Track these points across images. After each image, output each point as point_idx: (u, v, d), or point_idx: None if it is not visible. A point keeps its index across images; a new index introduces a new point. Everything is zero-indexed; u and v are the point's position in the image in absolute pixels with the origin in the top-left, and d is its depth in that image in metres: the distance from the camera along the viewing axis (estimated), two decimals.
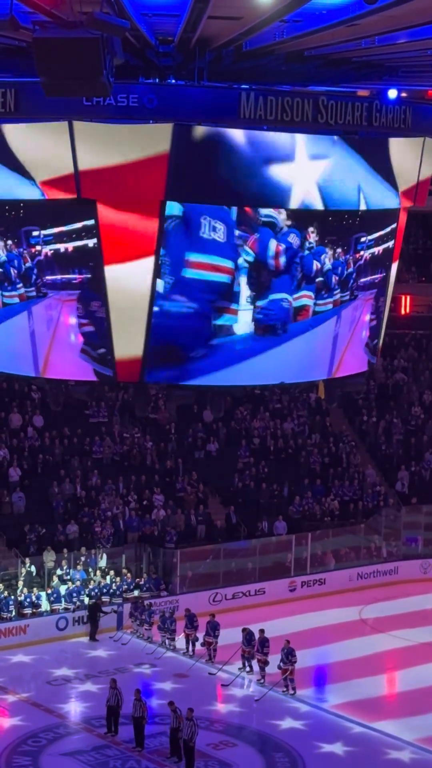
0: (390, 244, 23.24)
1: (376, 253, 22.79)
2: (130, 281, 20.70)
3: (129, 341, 21.12)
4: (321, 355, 22.50)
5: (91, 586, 36.01)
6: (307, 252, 21.19)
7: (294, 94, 20.21)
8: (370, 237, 22.43)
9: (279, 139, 20.58)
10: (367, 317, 23.36)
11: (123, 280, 20.70)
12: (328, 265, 21.59)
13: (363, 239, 22.19)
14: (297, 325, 21.66)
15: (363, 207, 21.75)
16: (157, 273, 20.50)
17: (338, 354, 22.68)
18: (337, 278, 21.83)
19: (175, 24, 17.96)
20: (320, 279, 21.61)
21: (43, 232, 21.05)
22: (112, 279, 20.68)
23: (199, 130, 19.93)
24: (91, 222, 20.39)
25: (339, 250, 21.73)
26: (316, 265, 21.43)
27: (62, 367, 22.08)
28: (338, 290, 22.02)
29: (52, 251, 21.01)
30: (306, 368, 22.59)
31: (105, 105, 19.20)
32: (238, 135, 20.26)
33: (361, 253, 22.27)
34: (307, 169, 20.66)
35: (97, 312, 21.06)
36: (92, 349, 21.48)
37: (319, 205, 21.01)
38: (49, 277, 21.23)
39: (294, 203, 20.76)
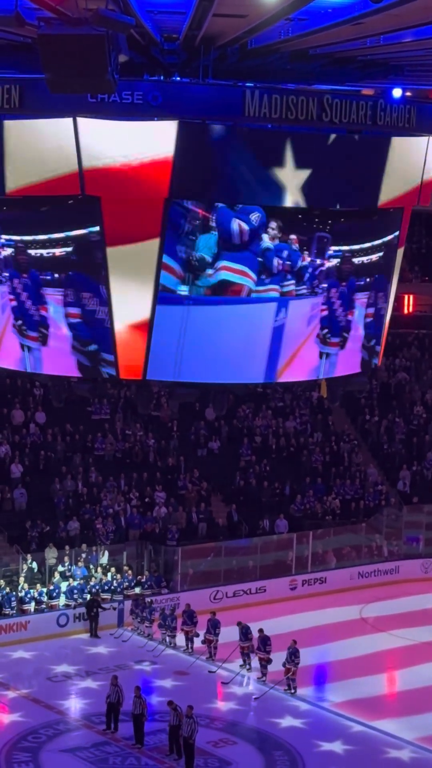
0: (381, 254, 22.97)
1: (366, 260, 22.56)
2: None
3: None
4: (257, 346, 21.71)
5: (92, 583, 36.03)
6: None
7: (298, 92, 20.20)
8: (354, 246, 22.16)
9: (273, 141, 20.59)
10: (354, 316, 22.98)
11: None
12: (268, 243, 20.94)
13: (331, 243, 21.68)
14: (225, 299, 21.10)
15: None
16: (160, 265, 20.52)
17: (284, 351, 21.92)
18: (280, 262, 21.16)
19: (181, 21, 17.97)
20: (260, 259, 21.00)
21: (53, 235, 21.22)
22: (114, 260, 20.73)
23: (205, 128, 19.93)
24: (96, 228, 20.42)
25: (293, 236, 21.15)
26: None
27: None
28: (291, 280, 21.34)
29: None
30: (241, 359, 21.72)
31: (109, 102, 19.19)
32: (240, 134, 20.31)
33: (329, 256, 21.82)
34: (296, 172, 20.61)
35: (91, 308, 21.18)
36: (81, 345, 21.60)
37: (303, 204, 20.96)
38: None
39: (289, 202, 20.72)
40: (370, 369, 25.05)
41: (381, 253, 22.90)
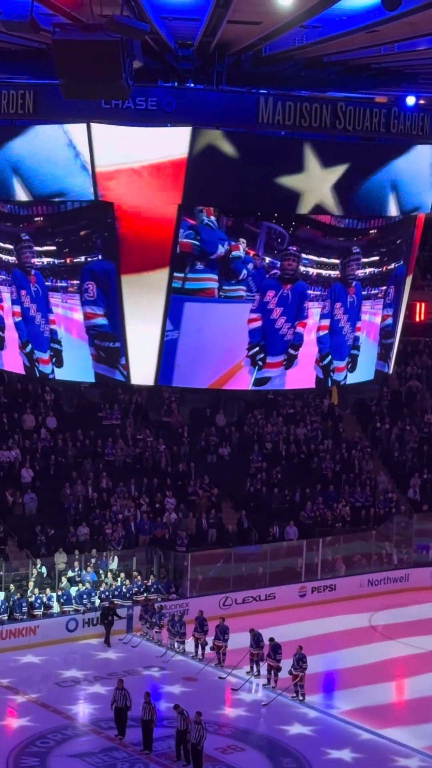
0: (386, 267, 22.83)
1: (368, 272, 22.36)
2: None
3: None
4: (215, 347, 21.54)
5: (101, 589, 36.03)
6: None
7: (312, 99, 20.23)
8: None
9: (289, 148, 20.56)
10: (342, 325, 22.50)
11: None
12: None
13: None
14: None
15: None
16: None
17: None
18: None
19: (195, 28, 18.01)
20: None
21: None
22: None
23: (217, 135, 19.94)
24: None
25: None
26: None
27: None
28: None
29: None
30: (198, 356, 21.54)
31: (123, 108, 19.25)
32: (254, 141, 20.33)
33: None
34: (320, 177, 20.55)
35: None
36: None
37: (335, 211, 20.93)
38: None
39: (305, 209, 20.69)
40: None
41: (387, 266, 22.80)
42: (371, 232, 21.92)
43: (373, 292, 22.62)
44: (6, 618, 34.13)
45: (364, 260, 22.05)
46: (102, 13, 14.55)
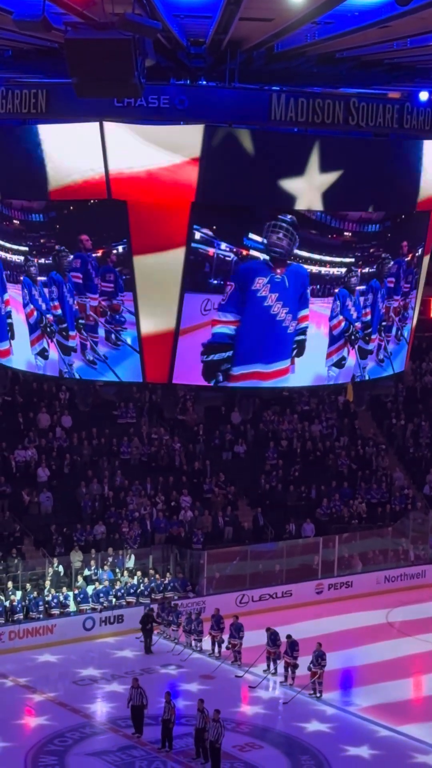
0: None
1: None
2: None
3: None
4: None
5: (118, 587, 36.07)
6: None
7: (325, 95, 20.16)
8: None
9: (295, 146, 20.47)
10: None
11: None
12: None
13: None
14: None
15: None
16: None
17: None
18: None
19: (207, 25, 17.97)
20: None
21: None
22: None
23: (231, 132, 19.91)
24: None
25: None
26: None
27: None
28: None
29: None
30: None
31: (136, 106, 19.22)
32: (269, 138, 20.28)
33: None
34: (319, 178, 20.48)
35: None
36: None
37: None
38: None
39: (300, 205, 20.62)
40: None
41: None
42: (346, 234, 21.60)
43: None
44: (22, 617, 34.19)
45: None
46: (114, 11, 14.52)
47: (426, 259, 23.93)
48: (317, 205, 20.50)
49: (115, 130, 19.77)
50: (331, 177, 20.49)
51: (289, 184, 20.25)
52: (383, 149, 21.59)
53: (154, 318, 20.78)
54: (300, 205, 20.34)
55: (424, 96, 21.17)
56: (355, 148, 21.01)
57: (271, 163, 20.19)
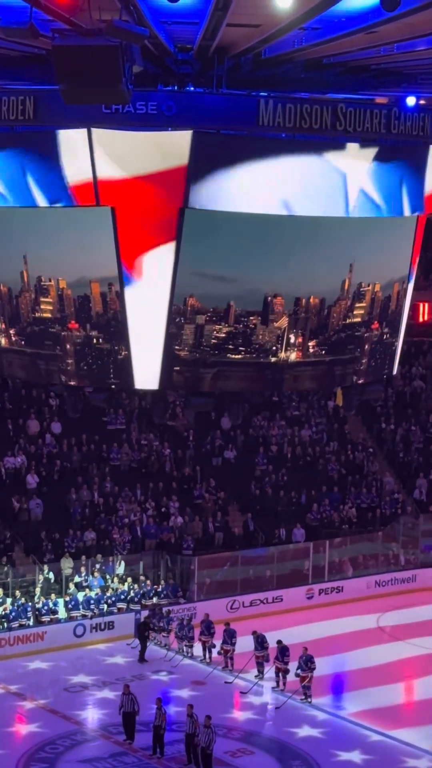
0: None
1: None
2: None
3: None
4: None
5: (108, 593, 36.03)
6: None
7: (313, 101, 20.21)
8: None
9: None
10: None
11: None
12: None
13: None
14: None
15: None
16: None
17: None
18: None
19: (194, 32, 18.01)
20: None
21: None
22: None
23: (218, 138, 19.95)
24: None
25: None
26: None
27: None
28: None
29: None
30: None
31: (124, 112, 19.25)
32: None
33: None
34: None
35: None
36: None
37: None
38: None
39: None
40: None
41: None
42: None
43: None
44: (16, 625, 34.10)
45: None
46: (101, 18, 14.54)
47: (415, 265, 24.00)
48: None
49: (103, 136, 19.80)
50: None
51: None
52: None
53: None
54: None
55: (411, 101, 21.24)
56: None
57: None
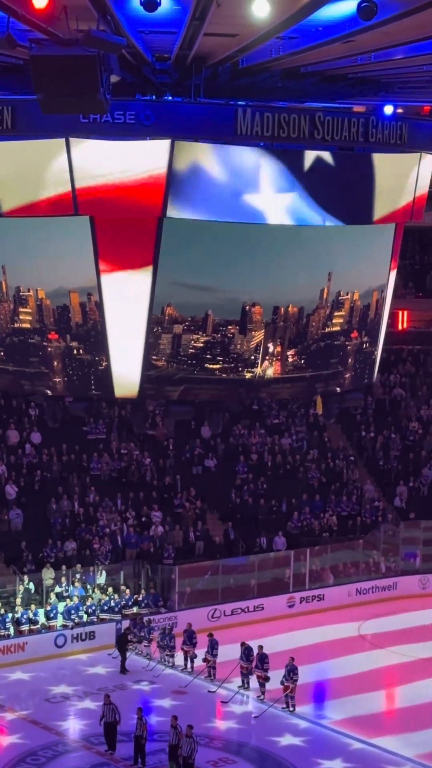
0: None
1: None
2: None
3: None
4: None
5: (89, 603, 35.95)
6: None
7: (290, 110, 20.27)
8: None
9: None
10: None
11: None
12: None
13: None
14: None
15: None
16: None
17: None
18: None
19: (172, 41, 18.03)
20: None
21: None
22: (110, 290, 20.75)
23: (197, 147, 19.97)
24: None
25: None
26: None
27: None
28: None
29: None
30: None
31: (102, 122, 19.25)
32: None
33: None
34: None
35: None
36: None
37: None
38: None
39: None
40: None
41: None
42: None
43: None
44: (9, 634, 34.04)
45: None
46: (78, 28, 14.57)
47: (393, 274, 24.07)
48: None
49: (81, 146, 19.81)
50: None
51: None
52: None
53: None
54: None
55: (388, 110, 21.30)
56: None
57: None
